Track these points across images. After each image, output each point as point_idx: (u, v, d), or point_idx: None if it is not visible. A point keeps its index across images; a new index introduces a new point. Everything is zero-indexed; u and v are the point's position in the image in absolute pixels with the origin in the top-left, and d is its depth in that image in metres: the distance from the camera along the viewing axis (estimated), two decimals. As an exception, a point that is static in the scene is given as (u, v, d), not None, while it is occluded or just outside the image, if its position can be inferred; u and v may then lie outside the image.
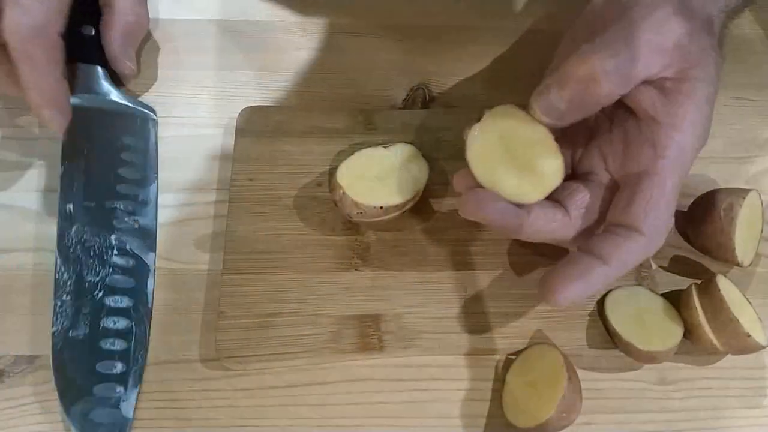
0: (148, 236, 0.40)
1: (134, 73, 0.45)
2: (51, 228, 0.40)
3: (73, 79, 0.42)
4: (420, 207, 0.41)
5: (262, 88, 0.46)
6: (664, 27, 0.32)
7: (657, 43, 0.32)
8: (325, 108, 0.45)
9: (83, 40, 0.42)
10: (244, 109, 0.43)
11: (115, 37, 0.43)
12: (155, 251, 0.40)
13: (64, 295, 0.38)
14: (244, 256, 0.39)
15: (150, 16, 0.46)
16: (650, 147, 0.33)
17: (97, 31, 0.43)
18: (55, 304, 0.38)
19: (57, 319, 0.37)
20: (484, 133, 0.34)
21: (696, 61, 0.33)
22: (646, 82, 0.33)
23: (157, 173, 0.42)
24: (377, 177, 0.39)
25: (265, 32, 0.48)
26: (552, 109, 0.33)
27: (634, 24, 0.32)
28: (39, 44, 0.37)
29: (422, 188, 0.40)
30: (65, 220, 0.40)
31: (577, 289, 0.33)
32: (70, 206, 0.40)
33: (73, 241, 0.39)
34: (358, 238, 0.40)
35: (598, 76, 0.32)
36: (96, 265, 0.39)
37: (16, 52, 0.37)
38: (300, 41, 0.49)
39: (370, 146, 0.40)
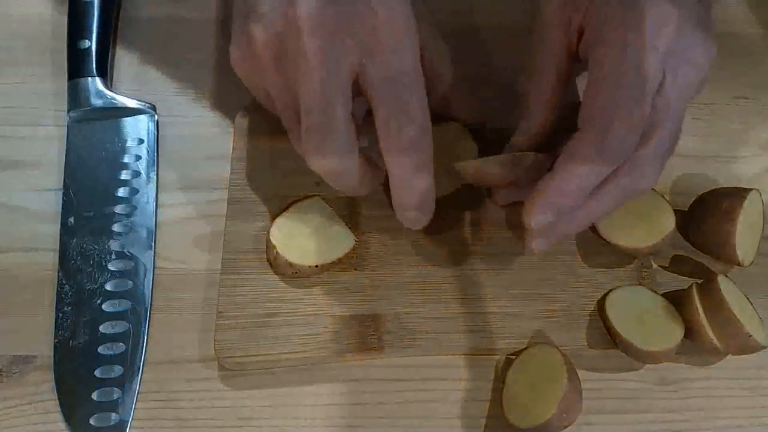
0: (146, 236, 0.40)
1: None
2: (51, 228, 0.40)
3: (73, 94, 0.42)
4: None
5: (262, 88, 0.46)
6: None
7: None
8: (325, 107, 0.45)
9: (81, 53, 0.42)
10: (244, 109, 0.43)
11: None
12: (153, 251, 0.40)
13: (65, 307, 0.38)
14: (242, 255, 0.39)
15: (150, 16, 0.46)
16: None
17: (93, 43, 0.42)
18: (57, 316, 0.38)
19: (59, 331, 0.37)
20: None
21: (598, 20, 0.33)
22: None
23: (156, 172, 0.42)
24: (313, 232, 0.38)
25: (264, 32, 0.48)
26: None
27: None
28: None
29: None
30: (66, 234, 0.40)
31: (536, 212, 0.32)
32: (71, 219, 0.40)
33: (74, 254, 0.39)
34: (358, 237, 0.40)
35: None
36: (95, 273, 0.39)
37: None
38: (299, 41, 0.48)
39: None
